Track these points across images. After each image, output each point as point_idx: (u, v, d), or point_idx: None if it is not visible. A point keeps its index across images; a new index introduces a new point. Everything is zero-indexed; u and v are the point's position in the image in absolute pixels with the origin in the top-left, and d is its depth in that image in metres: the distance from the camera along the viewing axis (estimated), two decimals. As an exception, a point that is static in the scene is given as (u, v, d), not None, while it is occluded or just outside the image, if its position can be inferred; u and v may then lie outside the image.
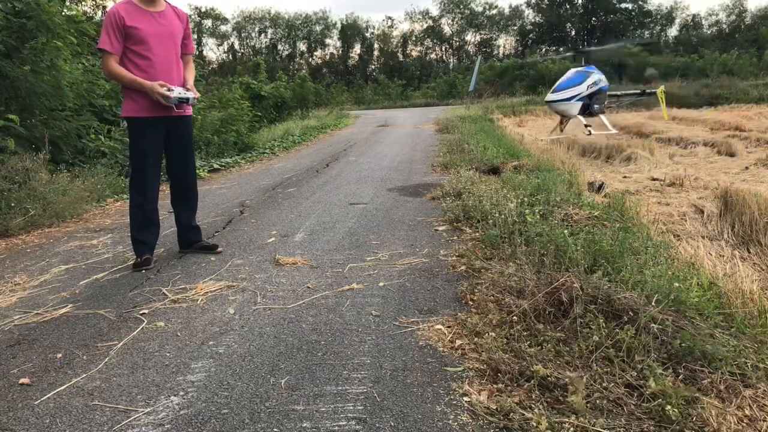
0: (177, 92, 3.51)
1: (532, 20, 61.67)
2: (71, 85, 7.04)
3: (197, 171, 5.47)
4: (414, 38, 63.25)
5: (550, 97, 11.18)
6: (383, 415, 1.89)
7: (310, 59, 63.05)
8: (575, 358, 2.13)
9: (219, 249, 3.98)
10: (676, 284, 2.48)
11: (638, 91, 14.90)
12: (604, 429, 1.73)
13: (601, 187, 6.15)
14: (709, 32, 56.06)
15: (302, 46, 64.06)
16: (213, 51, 67.64)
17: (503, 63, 45.22)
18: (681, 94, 25.90)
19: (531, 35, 61.38)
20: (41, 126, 6.46)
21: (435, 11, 64.59)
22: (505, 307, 2.56)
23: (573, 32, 60.32)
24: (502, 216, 3.93)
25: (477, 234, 4.00)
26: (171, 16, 3.65)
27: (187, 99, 3.56)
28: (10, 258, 4.02)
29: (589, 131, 10.21)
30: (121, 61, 3.49)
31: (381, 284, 3.15)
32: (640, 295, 2.44)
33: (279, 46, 63.34)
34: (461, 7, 61.84)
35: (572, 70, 10.85)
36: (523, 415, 1.81)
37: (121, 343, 2.50)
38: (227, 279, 3.34)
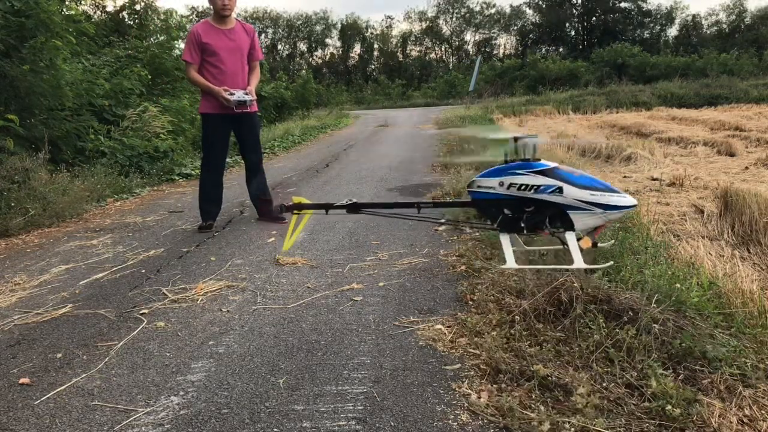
0: (237, 96, 4.31)
1: (532, 20, 61.70)
2: (70, 85, 7.02)
3: (197, 170, 5.65)
4: (413, 38, 63.25)
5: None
6: (383, 415, 1.88)
7: (311, 59, 63.06)
8: (575, 357, 2.13)
9: (285, 221, 4.51)
10: (677, 284, 2.48)
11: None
12: (605, 429, 1.73)
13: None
14: (709, 32, 56.04)
15: (302, 46, 64.08)
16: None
17: (504, 63, 45.25)
18: (681, 94, 25.90)
19: (531, 35, 61.35)
20: (41, 126, 6.44)
21: (431, 12, 64.35)
22: (505, 307, 2.56)
23: (573, 32, 60.34)
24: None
25: (477, 234, 4.00)
26: (240, 31, 4.46)
27: (245, 101, 4.35)
28: (10, 258, 4.02)
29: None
30: (200, 69, 4.37)
31: (381, 284, 3.15)
32: (641, 296, 2.44)
33: (279, 46, 63.35)
34: (456, 5, 61.79)
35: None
36: (524, 414, 1.81)
37: (121, 343, 2.50)
38: (227, 279, 3.34)
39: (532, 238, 3.25)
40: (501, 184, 2.90)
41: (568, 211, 2.81)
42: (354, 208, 3.27)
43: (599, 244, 3.05)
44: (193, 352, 2.40)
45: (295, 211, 3.37)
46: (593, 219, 2.80)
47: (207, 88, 4.36)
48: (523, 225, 2.92)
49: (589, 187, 2.80)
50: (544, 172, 2.83)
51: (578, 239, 2.82)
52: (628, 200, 2.83)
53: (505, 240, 2.94)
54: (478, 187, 3.01)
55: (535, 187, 2.81)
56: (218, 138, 4.56)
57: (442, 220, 3.54)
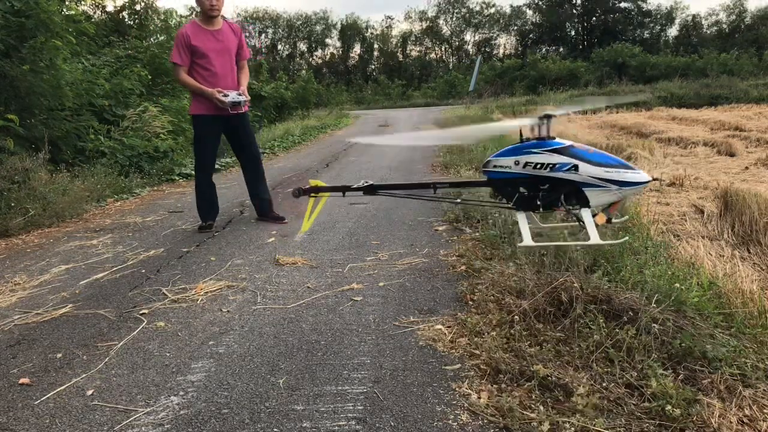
0: (231, 97, 4.31)
1: (532, 20, 61.68)
2: (70, 85, 7.02)
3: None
4: (413, 38, 63.26)
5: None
6: (383, 415, 1.88)
7: (311, 59, 63.06)
8: (575, 358, 2.13)
9: (285, 221, 4.76)
10: (677, 284, 2.48)
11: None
12: (605, 429, 1.73)
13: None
14: (709, 32, 56.03)
15: (302, 46, 64.09)
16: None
17: (504, 63, 45.23)
18: (681, 94, 25.93)
19: (531, 35, 61.37)
20: (41, 126, 6.45)
21: (431, 12, 64.33)
22: (505, 307, 2.56)
23: (573, 32, 60.34)
24: (502, 216, 3.93)
25: (477, 234, 4.00)
26: (227, 32, 4.46)
27: (239, 102, 4.36)
28: (10, 258, 4.02)
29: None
30: (190, 71, 4.35)
31: (381, 284, 3.15)
32: (641, 296, 2.44)
33: (279, 46, 63.36)
34: (457, 5, 61.83)
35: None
36: (524, 414, 1.81)
37: (121, 343, 2.50)
38: (227, 279, 3.34)
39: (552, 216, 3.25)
40: (516, 163, 2.94)
41: (583, 189, 2.84)
42: (371, 189, 3.30)
43: (614, 220, 3.07)
44: (193, 352, 2.40)
45: (312, 194, 3.38)
46: (608, 195, 2.83)
47: (199, 90, 4.34)
48: (539, 203, 2.94)
49: (604, 164, 2.83)
50: (560, 151, 2.85)
51: (593, 215, 2.86)
52: (642, 176, 2.85)
53: (521, 218, 2.98)
54: (494, 166, 3.04)
55: (550, 165, 2.84)
56: (211, 139, 4.55)
57: (458, 200, 3.58)
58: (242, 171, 4.86)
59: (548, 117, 3.00)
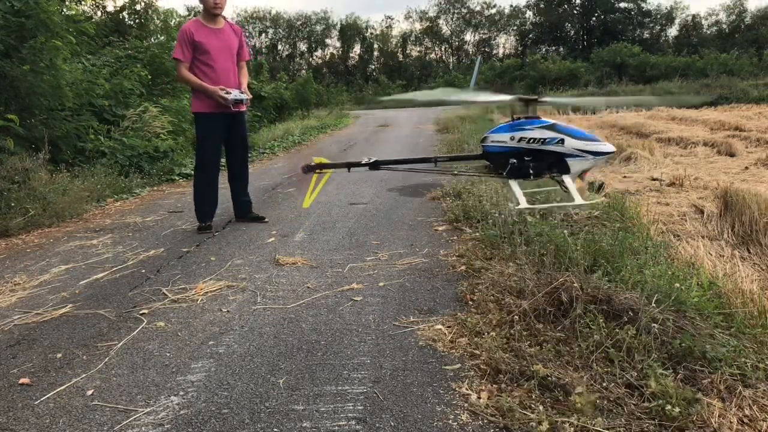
0: (233, 95, 4.32)
1: (532, 20, 61.66)
2: (70, 85, 7.02)
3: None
4: (413, 38, 63.27)
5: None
6: (383, 415, 1.89)
7: (311, 59, 63.07)
8: (575, 358, 2.13)
9: (266, 220, 4.82)
10: (677, 284, 2.48)
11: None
12: (605, 429, 1.73)
13: (601, 187, 6.13)
14: (709, 32, 56.04)
15: (302, 46, 64.11)
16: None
17: (504, 63, 45.26)
18: (681, 94, 25.92)
19: (530, 35, 61.37)
20: (41, 126, 6.44)
21: (432, 12, 64.37)
22: (505, 307, 2.56)
23: (573, 32, 60.32)
24: (502, 216, 3.93)
25: (477, 234, 3.99)
26: (229, 32, 4.50)
27: (242, 100, 4.38)
28: (10, 258, 4.02)
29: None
30: (191, 68, 4.36)
31: (381, 284, 3.15)
32: (641, 296, 2.44)
33: (279, 46, 63.38)
34: (457, 5, 61.86)
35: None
36: (523, 414, 1.81)
37: (121, 343, 2.50)
38: (227, 279, 3.34)
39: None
40: (512, 138, 3.50)
41: (566, 158, 3.45)
42: (375, 165, 3.93)
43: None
44: (193, 352, 2.40)
45: (318, 171, 3.88)
46: (585, 163, 3.48)
47: (201, 88, 4.33)
48: (531, 171, 3.52)
49: (583, 138, 3.48)
50: (549, 127, 3.45)
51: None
52: (609, 147, 3.55)
53: (515, 185, 3.57)
54: (491, 141, 3.59)
55: (542, 139, 3.43)
56: (214, 137, 4.51)
57: (455, 172, 4.13)
58: (228, 170, 4.76)
59: (529, 101, 3.58)
